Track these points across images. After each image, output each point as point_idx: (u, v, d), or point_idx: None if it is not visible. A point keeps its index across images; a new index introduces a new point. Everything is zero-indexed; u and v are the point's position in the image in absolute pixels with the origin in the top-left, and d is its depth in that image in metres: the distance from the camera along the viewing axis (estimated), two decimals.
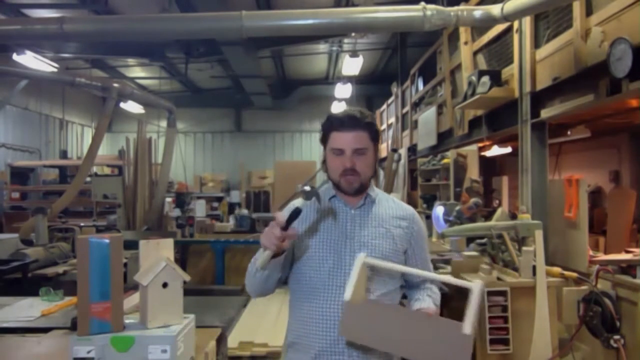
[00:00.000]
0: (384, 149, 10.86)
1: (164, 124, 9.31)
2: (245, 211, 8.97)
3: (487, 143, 5.97)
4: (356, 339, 1.40)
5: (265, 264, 1.41)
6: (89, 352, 1.35)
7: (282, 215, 1.41)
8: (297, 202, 1.52)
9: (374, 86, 13.17)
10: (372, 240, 1.53)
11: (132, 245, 2.40)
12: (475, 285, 1.33)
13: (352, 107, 1.62)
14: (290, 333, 1.59)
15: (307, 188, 1.48)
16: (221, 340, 2.01)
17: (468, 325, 1.27)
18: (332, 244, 1.53)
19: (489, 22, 3.80)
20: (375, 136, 1.56)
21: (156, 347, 1.39)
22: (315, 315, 1.50)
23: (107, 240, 1.38)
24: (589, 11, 3.27)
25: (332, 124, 1.55)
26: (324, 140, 1.58)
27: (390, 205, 1.63)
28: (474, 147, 5.71)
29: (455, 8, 3.83)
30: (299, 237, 1.55)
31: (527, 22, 4.00)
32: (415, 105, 8.21)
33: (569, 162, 6.44)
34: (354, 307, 1.35)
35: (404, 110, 9.08)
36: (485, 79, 4.38)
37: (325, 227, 1.56)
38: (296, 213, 1.42)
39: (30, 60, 7.60)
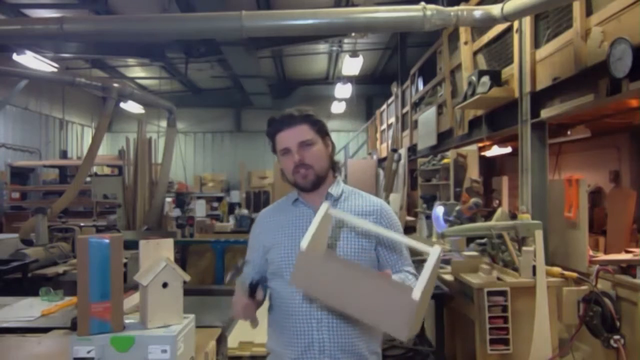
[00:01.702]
0: (384, 149, 10.87)
1: (164, 124, 9.31)
2: (245, 211, 8.97)
3: (487, 143, 5.96)
4: (306, 290, 1.39)
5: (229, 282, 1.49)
6: (89, 352, 1.35)
7: (241, 293, 1.44)
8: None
9: (374, 86, 13.17)
10: (336, 242, 1.50)
11: (132, 245, 2.40)
12: (433, 249, 1.25)
13: (294, 107, 1.60)
14: (267, 340, 1.60)
15: (238, 264, 1.52)
16: (221, 340, 2.01)
17: (417, 290, 1.19)
18: (295, 250, 1.46)
19: (489, 22, 3.80)
20: (319, 127, 1.54)
21: (156, 347, 1.39)
22: (286, 324, 1.49)
23: (107, 240, 1.38)
24: (589, 11, 3.27)
25: (273, 128, 1.55)
26: (274, 148, 1.57)
27: (357, 201, 1.58)
28: (474, 147, 5.71)
29: (455, 8, 3.83)
30: (267, 247, 1.57)
31: (527, 22, 4.00)
32: (415, 105, 8.21)
33: (569, 162, 6.43)
34: (307, 258, 1.32)
35: (404, 110, 9.08)
36: (485, 79, 4.38)
37: (289, 234, 1.54)
38: (252, 286, 1.44)
39: (30, 60, 7.60)
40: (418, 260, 3.90)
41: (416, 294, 1.19)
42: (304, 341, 1.45)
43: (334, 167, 1.59)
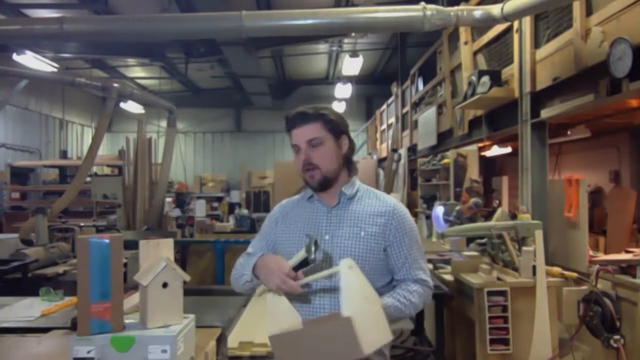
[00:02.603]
0: (384, 149, 10.87)
1: (164, 124, 9.31)
2: (245, 211, 8.97)
3: (487, 143, 5.97)
4: None
5: (262, 293, 1.45)
6: (89, 352, 1.35)
7: (289, 264, 1.42)
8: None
9: (374, 86, 13.17)
10: (344, 241, 1.50)
11: (132, 245, 2.40)
12: (341, 263, 1.31)
13: (315, 105, 1.61)
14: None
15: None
16: (221, 340, 2.01)
17: (345, 309, 1.21)
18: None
19: (489, 22, 3.80)
20: (332, 126, 1.53)
21: (156, 347, 1.39)
22: None
23: (107, 240, 1.38)
24: (589, 11, 3.27)
25: (288, 124, 1.56)
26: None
27: (370, 201, 1.57)
28: (474, 147, 5.71)
29: (455, 8, 3.83)
30: (278, 240, 1.59)
31: (527, 22, 4.00)
32: (415, 105, 8.21)
33: (569, 162, 6.43)
34: (277, 339, 1.34)
35: (404, 110, 9.08)
36: (485, 79, 4.38)
37: (301, 229, 1.55)
38: (304, 263, 1.41)
39: (30, 60, 7.60)
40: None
41: (345, 312, 1.21)
42: None
43: (349, 167, 1.59)
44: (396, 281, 1.57)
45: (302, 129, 1.52)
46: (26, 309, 2.28)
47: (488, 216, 4.01)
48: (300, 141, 1.52)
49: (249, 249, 1.68)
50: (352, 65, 9.22)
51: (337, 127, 1.54)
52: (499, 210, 3.43)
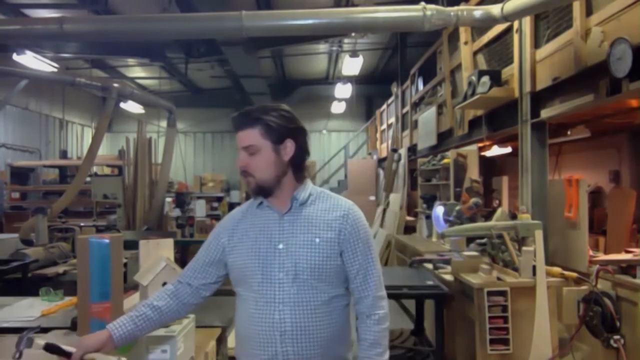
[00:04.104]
0: (384, 149, 10.87)
1: (164, 124, 9.31)
2: None
3: (487, 143, 5.96)
4: None
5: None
6: None
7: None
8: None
9: (374, 86, 13.17)
10: (299, 250, 1.42)
11: (132, 245, 2.40)
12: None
13: (264, 104, 1.52)
14: (235, 346, 1.55)
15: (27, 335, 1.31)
16: (221, 340, 2.01)
17: None
18: (260, 256, 1.44)
19: (489, 22, 3.80)
20: (271, 132, 1.42)
21: (156, 347, 1.39)
22: (250, 333, 1.44)
23: (107, 240, 1.38)
24: (589, 11, 3.27)
25: (232, 125, 1.48)
26: None
27: (324, 205, 1.49)
28: (474, 147, 5.71)
29: (455, 8, 3.83)
30: (227, 250, 1.49)
31: (527, 22, 3.99)
32: (415, 105, 8.21)
33: (569, 162, 6.43)
34: None
35: (404, 110, 9.08)
36: (485, 79, 4.38)
37: (252, 238, 1.47)
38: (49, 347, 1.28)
39: (30, 60, 7.60)
40: (418, 260, 3.92)
41: None
42: (268, 352, 1.40)
43: (297, 172, 1.49)
44: (353, 291, 1.49)
45: (241, 134, 1.44)
46: (26, 309, 2.28)
47: (488, 216, 4.02)
48: (239, 146, 1.45)
49: (197, 254, 1.57)
50: (352, 65, 9.21)
51: (277, 133, 1.43)
52: (499, 210, 3.44)
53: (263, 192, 1.46)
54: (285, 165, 1.46)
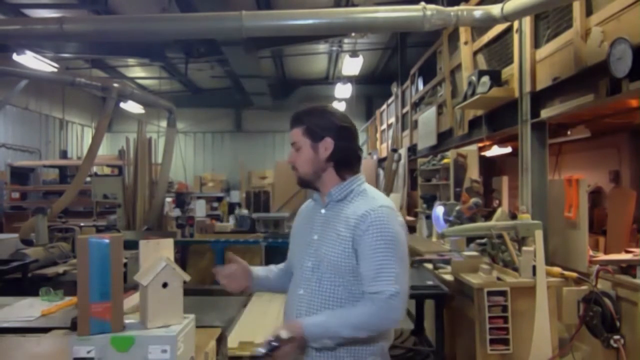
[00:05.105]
0: (384, 149, 10.87)
1: (164, 124, 9.31)
2: (245, 211, 8.96)
3: (487, 143, 5.96)
4: None
5: None
6: (89, 352, 1.35)
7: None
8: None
9: (374, 86, 13.17)
10: (324, 243, 1.51)
11: (132, 245, 2.40)
12: None
13: (312, 105, 1.66)
14: None
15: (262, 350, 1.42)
16: (221, 340, 2.01)
17: None
18: (300, 243, 1.60)
19: (489, 22, 3.80)
20: (309, 131, 1.55)
21: (156, 347, 1.39)
22: (285, 307, 1.61)
23: (107, 240, 1.38)
24: (589, 11, 3.27)
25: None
26: None
27: (358, 203, 1.51)
28: (474, 147, 5.71)
29: (455, 8, 3.83)
30: (292, 237, 1.70)
31: (527, 22, 4.00)
32: (415, 105, 8.21)
33: (569, 162, 6.43)
34: None
35: (404, 110, 9.08)
36: (485, 79, 4.38)
37: (302, 226, 1.65)
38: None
39: (30, 60, 7.59)
40: (418, 260, 3.92)
41: None
42: None
43: (339, 169, 1.55)
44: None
45: (291, 132, 1.60)
46: (26, 309, 2.28)
47: (488, 216, 4.01)
48: (290, 142, 1.61)
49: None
50: (352, 65, 9.21)
51: (315, 132, 1.54)
52: (499, 210, 3.44)
53: (305, 184, 1.60)
54: (324, 162, 1.55)
